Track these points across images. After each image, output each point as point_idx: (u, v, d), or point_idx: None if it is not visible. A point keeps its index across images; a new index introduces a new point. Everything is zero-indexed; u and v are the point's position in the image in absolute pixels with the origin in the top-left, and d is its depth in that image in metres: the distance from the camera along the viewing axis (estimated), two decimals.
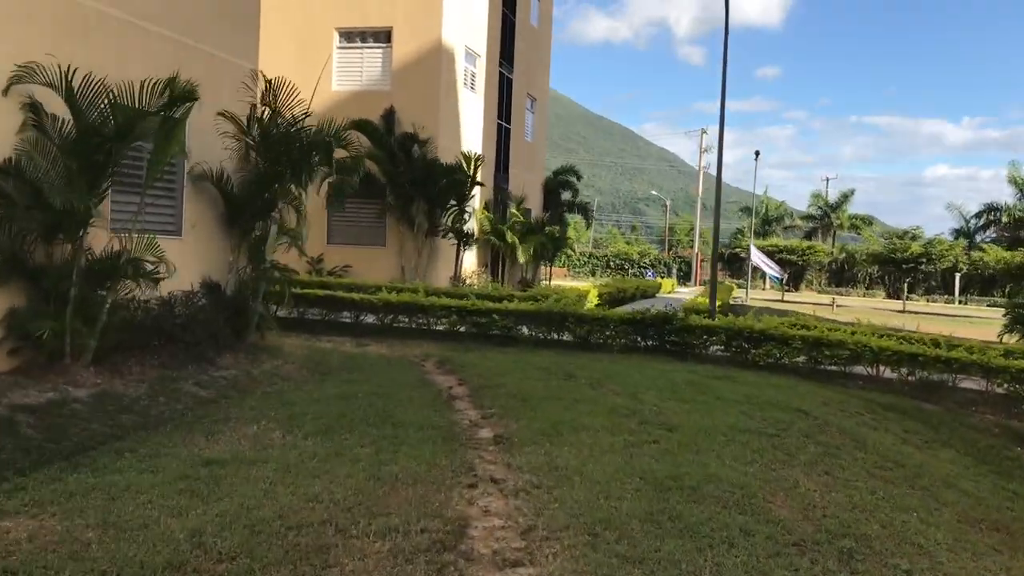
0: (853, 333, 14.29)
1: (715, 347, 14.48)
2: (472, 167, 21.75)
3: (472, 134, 23.80)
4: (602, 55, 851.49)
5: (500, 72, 26.32)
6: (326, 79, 21.68)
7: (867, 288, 64.74)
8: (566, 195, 31.18)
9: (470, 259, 23.92)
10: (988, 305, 58.34)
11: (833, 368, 13.91)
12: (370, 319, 15.86)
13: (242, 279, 12.84)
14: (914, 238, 55.51)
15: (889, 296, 62.49)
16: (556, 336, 15.03)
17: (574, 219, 32.16)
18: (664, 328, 14.44)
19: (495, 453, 7.32)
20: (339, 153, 13.89)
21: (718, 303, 20.21)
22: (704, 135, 67.21)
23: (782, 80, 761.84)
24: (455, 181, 21.10)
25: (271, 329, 13.26)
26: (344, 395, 9.51)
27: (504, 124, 26.82)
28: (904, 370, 13.59)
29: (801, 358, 13.85)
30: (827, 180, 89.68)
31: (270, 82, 12.61)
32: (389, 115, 21.21)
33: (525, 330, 15.12)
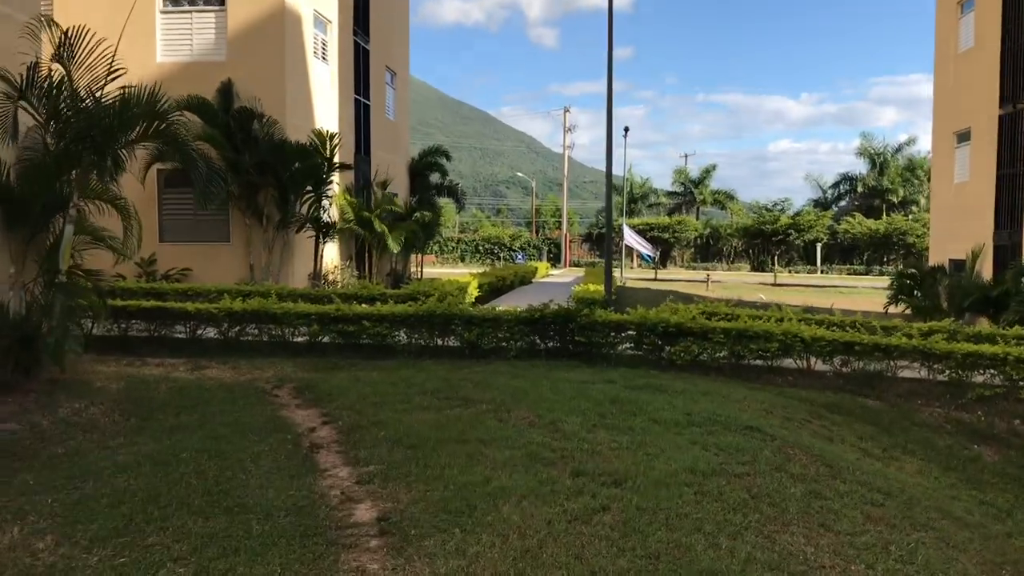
0: (779, 321, 12.57)
1: (624, 345, 12.48)
2: (329, 147, 18.96)
3: (326, 111, 20.96)
4: (455, 38, 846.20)
5: (355, 41, 23.50)
6: (149, 49, 18.43)
7: (731, 262, 65.35)
8: (434, 178, 28.68)
9: (332, 252, 21.14)
10: (848, 273, 59.84)
11: (759, 363, 12.15)
12: (211, 333, 13.04)
13: (33, 296, 9.91)
14: (782, 210, 55.94)
15: (754, 269, 63.21)
16: (440, 342, 12.66)
17: (444, 203, 29.68)
18: (567, 327, 12.30)
19: (382, 555, 4.91)
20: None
21: (595, 288, 18.36)
22: (567, 114, 65.96)
23: (633, 61, 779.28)
24: (310, 164, 18.29)
25: (77, 355, 10.37)
26: (163, 456, 6.86)
27: (363, 100, 24.03)
28: (837, 360, 11.97)
29: (723, 353, 12.00)
30: (686, 157, 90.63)
31: (65, 33, 9.64)
32: (226, 90, 18.15)
33: (403, 336, 12.68)
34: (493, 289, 22.99)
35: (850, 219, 49.98)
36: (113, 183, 10.43)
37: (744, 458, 7.16)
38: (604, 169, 19.45)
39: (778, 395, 10.86)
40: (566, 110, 64.99)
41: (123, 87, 9.61)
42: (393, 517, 5.44)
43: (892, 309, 23.84)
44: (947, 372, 11.66)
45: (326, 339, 12.68)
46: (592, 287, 18.05)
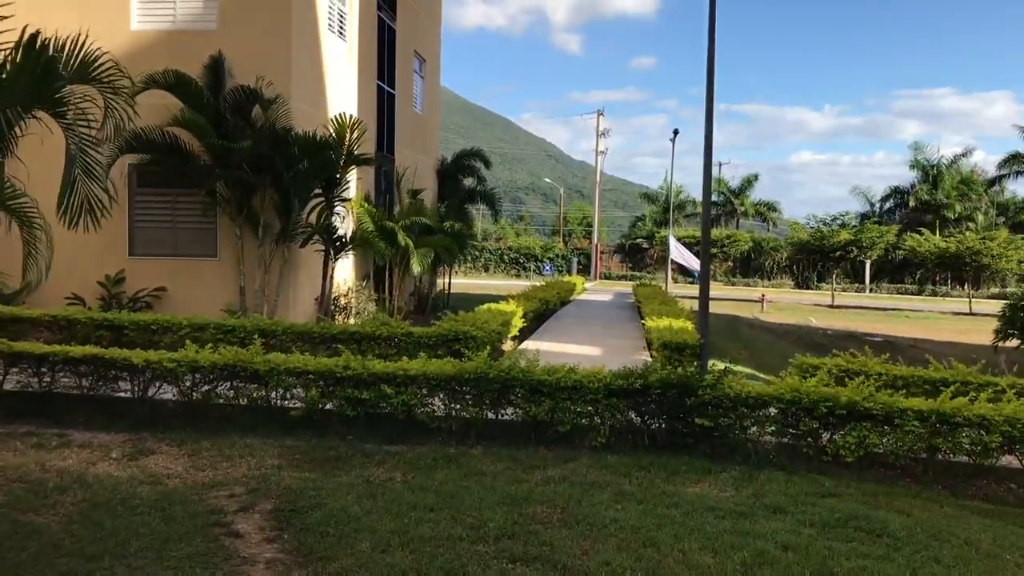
0: (995, 393, 8.66)
1: (759, 427, 8.55)
2: (350, 138, 15.07)
3: (342, 98, 17.14)
4: (477, 43, 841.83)
5: (379, 17, 19.66)
6: (121, 15, 14.73)
7: (771, 278, 61.30)
8: (468, 183, 24.78)
9: (345, 271, 17.29)
10: (900, 293, 55.50)
11: (963, 459, 8.23)
12: (169, 393, 9.25)
13: None
14: (842, 225, 51.70)
15: (798, 286, 59.08)
16: (493, 414, 8.80)
17: (478, 211, 25.77)
18: (682, 401, 8.39)
19: None
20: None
21: (679, 326, 14.50)
22: (600, 118, 62.01)
23: (655, 70, 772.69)
24: (322, 160, 14.45)
25: None
26: None
27: (386, 88, 20.21)
28: None
29: (914, 446, 8.07)
30: (720, 165, 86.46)
31: None
32: (216, 65, 14.34)
33: (439, 406, 8.83)
34: (537, 315, 19.15)
35: (916, 236, 45.75)
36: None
37: None
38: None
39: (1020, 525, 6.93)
40: (599, 113, 61.01)
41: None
42: None
43: (1005, 345, 20.22)
44: None
45: (330, 405, 8.85)
46: (676, 324, 14.10)
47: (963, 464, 8.26)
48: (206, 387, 9.07)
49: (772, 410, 8.47)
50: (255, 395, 8.98)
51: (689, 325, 14.14)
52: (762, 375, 14.35)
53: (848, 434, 8.13)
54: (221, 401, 9.08)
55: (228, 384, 9.06)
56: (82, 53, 7.06)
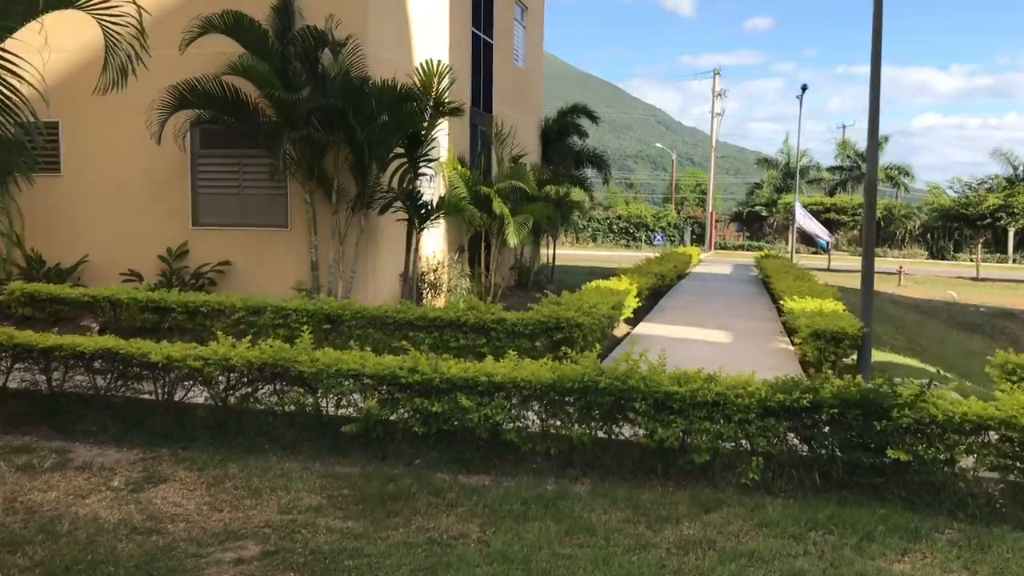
0: None
1: (975, 459, 6.14)
2: (437, 86, 13.07)
3: (430, 46, 15.09)
4: (585, 8, 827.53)
5: None
6: None
7: (901, 247, 56.85)
8: (574, 142, 22.46)
9: (435, 242, 15.36)
10: None
11: None
12: (201, 396, 7.48)
13: None
14: (990, 189, 46.90)
15: (932, 256, 54.57)
16: (604, 432, 6.67)
17: (584, 175, 23.40)
18: (870, 427, 6.05)
19: None
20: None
21: (832, 308, 12.08)
22: (717, 78, 58.37)
23: (770, 32, 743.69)
24: (404, 113, 12.50)
25: None
26: None
27: (483, 37, 18.13)
28: None
29: None
30: (843, 127, 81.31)
31: None
32: (285, 7, 12.52)
33: (534, 420, 6.74)
34: (653, 293, 16.86)
35: None
36: None
37: None
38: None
39: None
40: (716, 73, 57.42)
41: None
42: None
43: None
44: None
45: (392, 416, 6.88)
46: (826, 306, 11.58)
47: None
48: (244, 390, 7.26)
49: (993, 435, 6.06)
50: (302, 402, 7.11)
51: (842, 307, 11.64)
52: (931, 369, 11.74)
53: None
54: (261, 407, 7.26)
55: (271, 387, 7.22)
56: None
